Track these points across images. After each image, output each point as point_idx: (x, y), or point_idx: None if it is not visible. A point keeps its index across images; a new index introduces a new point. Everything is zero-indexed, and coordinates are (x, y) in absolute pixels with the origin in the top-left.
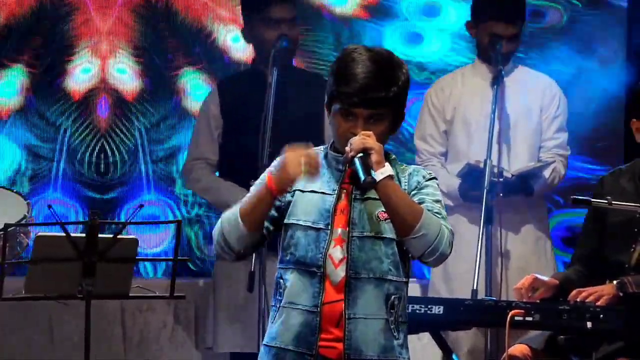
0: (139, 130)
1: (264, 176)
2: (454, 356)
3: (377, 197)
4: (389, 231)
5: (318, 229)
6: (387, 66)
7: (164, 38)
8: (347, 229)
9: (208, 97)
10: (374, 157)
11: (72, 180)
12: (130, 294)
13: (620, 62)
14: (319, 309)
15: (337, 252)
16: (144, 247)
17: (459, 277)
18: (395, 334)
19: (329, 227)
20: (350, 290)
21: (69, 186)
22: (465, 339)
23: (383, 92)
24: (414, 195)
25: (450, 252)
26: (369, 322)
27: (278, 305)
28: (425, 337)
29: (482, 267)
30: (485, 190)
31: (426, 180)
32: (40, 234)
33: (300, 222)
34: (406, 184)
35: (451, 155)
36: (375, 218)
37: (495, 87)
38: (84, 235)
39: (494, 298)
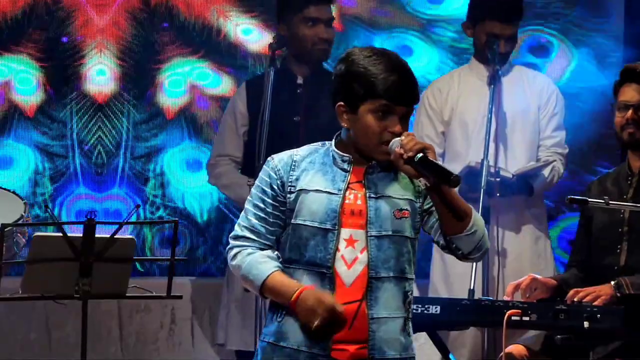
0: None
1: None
2: (451, 356)
3: (391, 195)
4: (405, 229)
5: (325, 230)
6: (407, 65)
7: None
8: (365, 229)
9: (236, 94)
10: (432, 156)
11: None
12: (127, 294)
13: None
14: None
15: (348, 253)
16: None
17: (459, 278)
18: (409, 332)
19: (336, 227)
20: (371, 290)
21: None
22: (462, 339)
23: (417, 89)
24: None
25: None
26: (391, 322)
27: (286, 304)
28: (422, 337)
29: (480, 267)
30: (482, 190)
31: None
32: (37, 234)
33: (307, 223)
34: (419, 186)
35: (449, 156)
36: (392, 216)
37: (492, 87)
38: (81, 235)
39: (491, 298)
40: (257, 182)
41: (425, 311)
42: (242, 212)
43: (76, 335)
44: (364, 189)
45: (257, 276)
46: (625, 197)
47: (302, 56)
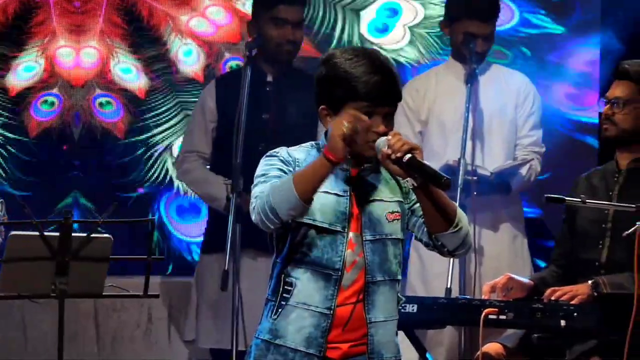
0: None
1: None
2: (428, 355)
3: (382, 198)
4: (397, 232)
5: (335, 232)
6: (389, 63)
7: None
8: (360, 232)
9: (205, 90)
10: (420, 156)
11: None
12: (103, 293)
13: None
14: (332, 311)
15: (349, 256)
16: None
17: (436, 277)
18: (397, 333)
19: (346, 230)
20: (368, 294)
21: None
22: (440, 338)
23: (399, 87)
24: (411, 195)
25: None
26: (387, 325)
27: (283, 303)
28: (399, 335)
29: (457, 266)
30: (458, 189)
31: None
32: (13, 233)
33: (317, 223)
34: (405, 186)
35: (426, 156)
36: (385, 219)
37: (469, 85)
38: (57, 234)
39: (468, 297)
40: (268, 166)
41: (402, 310)
42: (256, 186)
43: (53, 335)
44: (356, 192)
45: (284, 180)
46: (611, 193)
47: (269, 55)
